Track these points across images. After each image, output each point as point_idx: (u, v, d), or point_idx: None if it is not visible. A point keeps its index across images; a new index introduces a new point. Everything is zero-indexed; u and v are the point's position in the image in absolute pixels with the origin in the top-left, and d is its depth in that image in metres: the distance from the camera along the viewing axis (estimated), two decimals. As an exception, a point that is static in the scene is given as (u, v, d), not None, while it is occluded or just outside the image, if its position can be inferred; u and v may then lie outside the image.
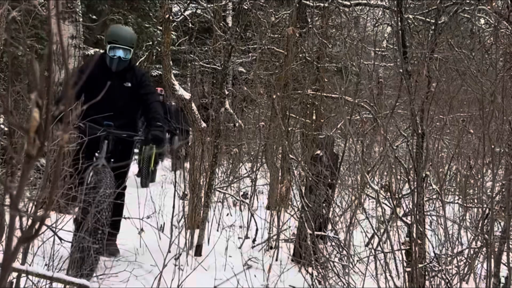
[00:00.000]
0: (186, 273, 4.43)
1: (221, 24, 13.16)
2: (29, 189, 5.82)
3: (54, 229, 3.63)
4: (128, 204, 5.63)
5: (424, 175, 4.83)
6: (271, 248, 6.14)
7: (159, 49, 14.75)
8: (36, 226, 1.09)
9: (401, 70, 5.31)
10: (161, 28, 15.31)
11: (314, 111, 10.07)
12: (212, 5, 14.16)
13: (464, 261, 4.50)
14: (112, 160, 5.26)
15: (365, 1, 11.21)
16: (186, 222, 6.30)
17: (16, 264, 3.00)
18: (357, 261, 5.10)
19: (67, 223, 3.89)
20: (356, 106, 7.37)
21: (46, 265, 4.11)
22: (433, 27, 6.98)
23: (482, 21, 8.83)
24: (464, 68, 5.49)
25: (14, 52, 9.90)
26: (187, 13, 15.58)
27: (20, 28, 6.15)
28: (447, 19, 7.04)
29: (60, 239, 3.72)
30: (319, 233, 5.50)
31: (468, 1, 7.30)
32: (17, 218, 1.07)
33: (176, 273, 4.29)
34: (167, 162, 15.22)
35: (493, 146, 4.68)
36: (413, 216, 4.60)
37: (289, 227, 6.36)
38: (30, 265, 3.62)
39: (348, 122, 5.88)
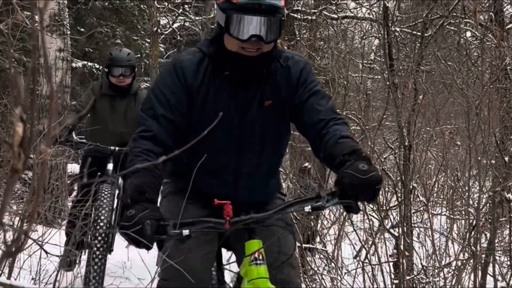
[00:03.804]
0: None
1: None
2: (16, 202, 5.80)
3: (40, 242, 3.61)
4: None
5: (411, 187, 4.86)
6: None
7: (147, 62, 14.75)
8: (21, 240, 1.09)
9: (387, 83, 5.35)
10: (149, 40, 15.34)
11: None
12: (200, 18, 14.21)
13: (452, 273, 4.51)
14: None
15: (353, 14, 11.29)
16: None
17: (2, 278, 2.99)
18: (345, 273, 5.10)
19: (53, 237, 3.87)
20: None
21: (32, 279, 4.09)
22: (419, 40, 7.03)
23: (469, 34, 8.90)
24: (450, 80, 5.52)
25: (1, 65, 9.87)
26: (175, 25, 15.64)
27: (7, 41, 6.13)
28: (433, 32, 7.10)
29: (47, 252, 3.70)
30: (308, 245, 5.50)
31: (454, 14, 7.36)
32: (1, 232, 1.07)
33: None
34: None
35: (479, 158, 4.71)
36: (400, 228, 4.61)
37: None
38: (16, 279, 3.60)
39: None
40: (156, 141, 2.39)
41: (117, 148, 5.03)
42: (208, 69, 2.50)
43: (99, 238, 4.50)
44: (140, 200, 2.20)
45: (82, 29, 13.37)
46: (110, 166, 5.07)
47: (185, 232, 2.15)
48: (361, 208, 2.38)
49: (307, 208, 2.25)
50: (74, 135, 5.01)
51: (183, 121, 2.48)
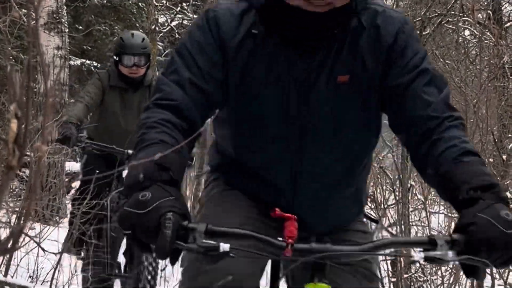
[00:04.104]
0: (172, 284, 4.42)
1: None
2: (14, 201, 5.79)
3: (37, 240, 3.61)
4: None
5: (409, 185, 4.85)
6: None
7: (146, 60, 14.70)
8: (19, 237, 1.08)
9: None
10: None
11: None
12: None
13: (449, 271, 4.51)
14: None
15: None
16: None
17: (-1, 276, 2.98)
18: (343, 271, 5.10)
19: (51, 234, 3.87)
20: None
21: (30, 277, 4.08)
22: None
23: (467, 32, 8.90)
24: (448, 78, 5.53)
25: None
26: (173, 23, 15.61)
27: (4, 38, 6.12)
28: (431, 31, 7.09)
29: (44, 250, 3.69)
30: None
31: (452, 13, 7.36)
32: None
33: (162, 284, 4.27)
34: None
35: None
36: (398, 227, 4.61)
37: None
38: (13, 277, 3.59)
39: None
40: (179, 112, 1.62)
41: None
42: (255, 23, 1.69)
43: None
44: (160, 180, 1.37)
45: (80, 27, 13.37)
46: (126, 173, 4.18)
47: (224, 246, 1.32)
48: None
49: (418, 256, 1.39)
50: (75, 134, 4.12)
51: (216, 89, 1.71)
